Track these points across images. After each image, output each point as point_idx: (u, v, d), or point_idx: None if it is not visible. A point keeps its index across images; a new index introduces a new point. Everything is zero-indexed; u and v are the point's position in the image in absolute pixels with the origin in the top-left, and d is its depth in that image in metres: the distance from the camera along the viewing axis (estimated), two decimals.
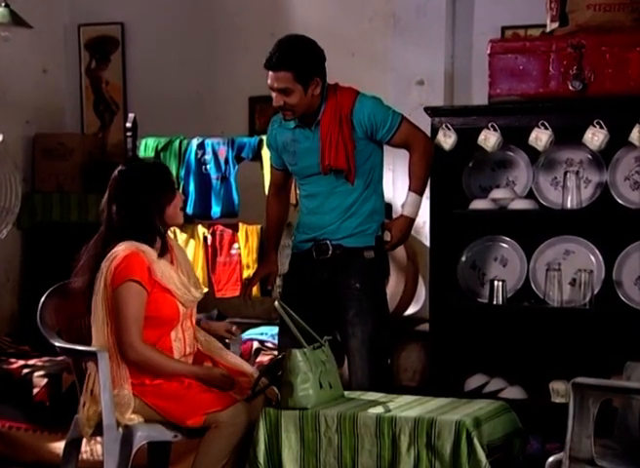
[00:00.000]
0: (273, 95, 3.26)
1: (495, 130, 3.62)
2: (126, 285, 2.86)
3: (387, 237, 3.38)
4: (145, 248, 2.92)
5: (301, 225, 3.44)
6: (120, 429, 2.86)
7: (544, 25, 3.90)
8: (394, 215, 4.59)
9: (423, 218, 4.47)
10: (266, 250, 3.65)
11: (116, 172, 2.99)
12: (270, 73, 3.24)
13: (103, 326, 2.89)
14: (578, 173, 3.69)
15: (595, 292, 3.67)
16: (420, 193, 3.37)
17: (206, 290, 4.33)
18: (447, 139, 3.68)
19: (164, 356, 2.91)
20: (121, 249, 2.89)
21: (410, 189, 3.37)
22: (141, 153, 4.48)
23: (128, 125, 4.51)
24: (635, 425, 2.92)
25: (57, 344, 2.99)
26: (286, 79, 3.21)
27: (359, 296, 3.31)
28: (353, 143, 3.28)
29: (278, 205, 3.58)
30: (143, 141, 4.52)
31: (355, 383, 3.26)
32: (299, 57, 3.22)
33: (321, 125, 3.28)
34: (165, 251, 2.96)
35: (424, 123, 3.95)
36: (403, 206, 3.42)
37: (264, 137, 4.43)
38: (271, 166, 3.61)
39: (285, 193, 3.61)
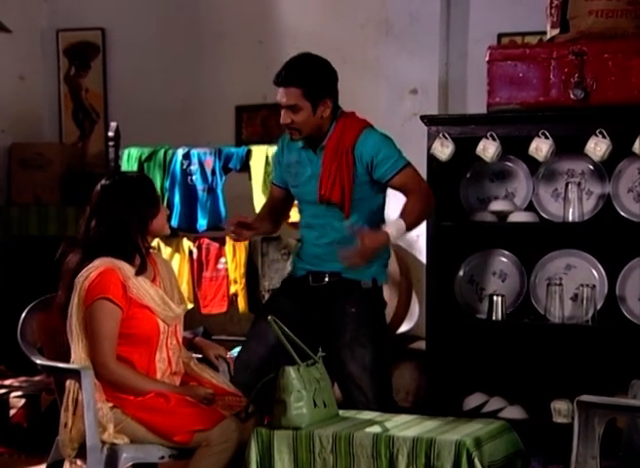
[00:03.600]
0: (282, 112, 3.24)
1: (494, 139, 3.65)
2: (98, 303, 2.88)
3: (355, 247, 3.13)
4: (122, 264, 2.93)
5: (301, 254, 3.40)
6: (105, 450, 2.84)
7: (542, 32, 3.94)
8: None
9: (417, 231, 4.49)
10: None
11: (98, 186, 3.01)
12: (280, 89, 3.22)
13: (80, 343, 2.91)
14: (579, 184, 3.72)
15: (598, 307, 3.68)
16: (409, 228, 3.22)
17: (191, 306, 4.33)
18: (444, 149, 3.70)
19: (140, 375, 2.92)
20: (95, 265, 2.91)
21: (400, 217, 3.20)
22: (124, 163, 4.49)
23: (110, 134, 4.51)
24: None
25: (38, 362, 2.98)
26: (295, 95, 3.19)
27: (356, 320, 3.27)
28: (351, 177, 3.24)
29: (269, 213, 3.48)
30: (126, 151, 4.52)
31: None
32: (310, 73, 3.21)
33: (324, 151, 3.27)
34: (143, 268, 2.97)
35: (419, 132, 3.99)
36: (387, 225, 3.27)
37: (253, 148, 4.47)
38: (272, 183, 3.53)
39: (279, 216, 3.52)
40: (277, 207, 3.49)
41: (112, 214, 2.93)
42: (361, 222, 3.24)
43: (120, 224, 2.93)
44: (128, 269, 2.93)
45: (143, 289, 2.95)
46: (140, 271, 2.95)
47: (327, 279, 3.30)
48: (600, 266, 3.77)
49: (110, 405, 2.88)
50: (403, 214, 3.21)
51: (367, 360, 3.22)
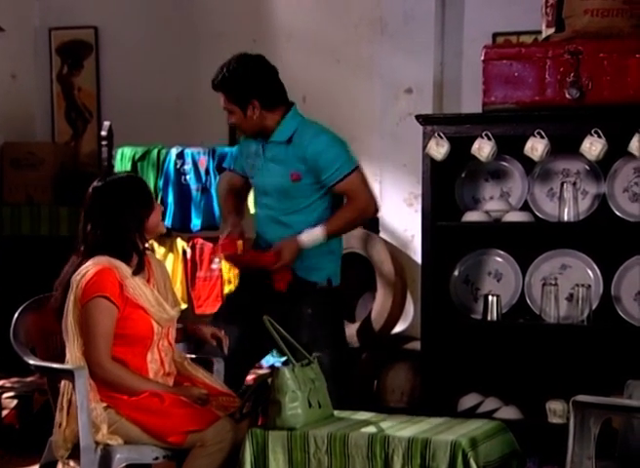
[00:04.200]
0: None
1: (489, 139, 3.65)
2: (95, 301, 2.88)
3: (274, 256, 3.32)
4: (119, 263, 2.94)
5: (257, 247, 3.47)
6: (98, 450, 2.84)
7: (537, 32, 3.95)
8: (381, 230, 4.62)
9: (412, 232, 4.51)
10: (223, 217, 3.68)
11: (90, 189, 3.02)
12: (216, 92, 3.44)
13: (75, 342, 2.91)
14: (575, 184, 3.73)
15: (593, 307, 3.69)
16: (328, 235, 3.34)
17: (185, 306, 4.34)
18: (439, 149, 3.71)
19: (135, 375, 2.93)
20: (92, 264, 2.91)
21: (323, 224, 3.33)
22: (118, 163, 4.50)
23: (103, 133, 4.52)
24: (637, 446, 2.94)
25: (31, 362, 2.98)
26: (225, 100, 3.40)
27: (312, 323, 3.34)
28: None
29: (234, 197, 3.61)
30: (119, 151, 4.53)
31: None
32: (231, 79, 3.37)
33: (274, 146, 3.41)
34: (141, 268, 2.98)
35: (414, 132, 3.99)
36: (302, 232, 3.35)
37: None
38: (230, 169, 3.70)
39: (241, 198, 3.65)
40: (238, 191, 3.61)
41: (107, 216, 2.94)
42: (307, 225, 3.34)
43: (116, 225, 2.94)
44: (125, 269, 2.94)
45: (140, 289, 2.95)
46: (138, 271, 2.96)
47: None
48: (595, 266, 3.78)
49: (104, 405, 2.89)
50: (330, 220, 3.36)
51: (325, 364, 3.12)
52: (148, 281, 3.02)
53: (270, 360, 4.26)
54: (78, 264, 2.95)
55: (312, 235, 3.33)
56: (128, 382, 2.90)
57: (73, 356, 2.90)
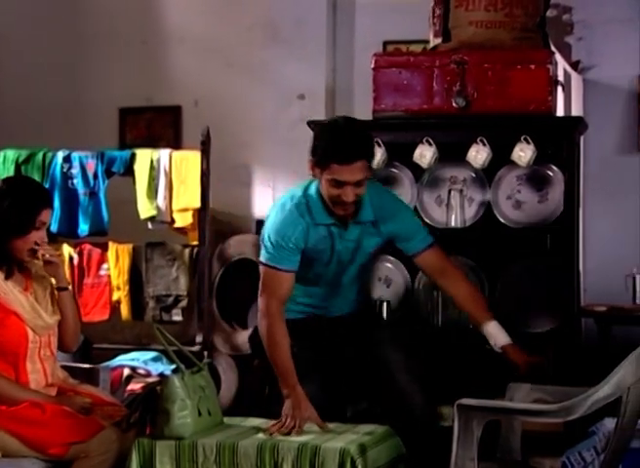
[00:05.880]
0: (339, 191, 2.99)
1: (379, 146, 3.73)
2: None
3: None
4: None
5: (308, 306, 3.29)
6: None
7: (426, 41, 4.06)
8: None
9: None
10: (291, 387, 3.03)
11: None
12: (342, 167, 2.96)
13: None
14: (461, 191, 3.84)
15: None
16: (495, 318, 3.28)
17: None
18: None
19: (13, 384, 2.87)
20: None
21: (488, 320, 3.25)
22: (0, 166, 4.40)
23: None
24: (517, 447, 3.05)
25: None
26: (362, 169, 2.98)
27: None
28: None
29: (284, 323, 3.09)
30: (1, 154, 4.44)
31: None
32: (370, 142, 3.08)
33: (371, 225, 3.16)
34: (10, 275, 2.92)
35: (307, 138, 4.02)
36: (495, 338, 3.26)
37: (137, 151, 4.44)
38: (280, 271, 3.07)
39: None
40: (289, 295, 3.13)
41: None
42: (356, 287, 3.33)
43: None
44: None
45: (12, 294, 2.90)
46: (8, 276, 2.91)
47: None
48: (481, 272, 3.88)
49: None
50: (484, 312, 3.29)
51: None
52: (26, 289, 2.97)
53: (160, 367, 4.24)
54: None
55: (501, 329, 3.28)
56: (6, 392, 2.83)
57: None
